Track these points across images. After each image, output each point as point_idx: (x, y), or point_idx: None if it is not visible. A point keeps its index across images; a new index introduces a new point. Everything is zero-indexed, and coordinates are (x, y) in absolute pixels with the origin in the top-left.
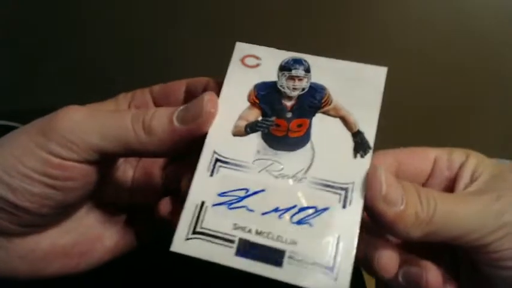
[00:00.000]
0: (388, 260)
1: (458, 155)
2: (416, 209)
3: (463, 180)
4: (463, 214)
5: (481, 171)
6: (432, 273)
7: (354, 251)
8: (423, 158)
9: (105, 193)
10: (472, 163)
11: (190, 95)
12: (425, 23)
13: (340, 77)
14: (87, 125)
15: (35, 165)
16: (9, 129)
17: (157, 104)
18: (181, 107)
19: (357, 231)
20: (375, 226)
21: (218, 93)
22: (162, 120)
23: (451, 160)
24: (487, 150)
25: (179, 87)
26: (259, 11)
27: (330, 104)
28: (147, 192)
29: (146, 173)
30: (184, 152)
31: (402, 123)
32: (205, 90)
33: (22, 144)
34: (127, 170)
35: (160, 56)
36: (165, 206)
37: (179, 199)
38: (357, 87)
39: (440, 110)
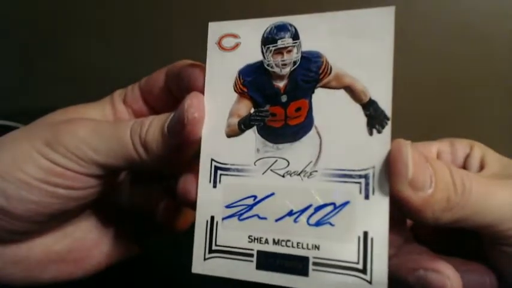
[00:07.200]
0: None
1: (461, 147)
2: (448, 193)
3: (471, 171)
4: (501, 199)
5: (488, 161)
6: (455, 282)
7: (387, 247)
8: (426, 153)
9: (105, 197)
10: (478, 154)
11: (171, 82)
12: (426, 20)
13: (336, 35)
14: (92, 142)
15: (35, 172)
16: (9, 129)
17: (144, 98)
18: (171, 117)
19: (387, 223)
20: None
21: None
22: (155, 135)
23: (454, 153)
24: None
25: (160, 76)
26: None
27: (329, 73)
28: (146, 194)
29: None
30: (192, 157)
31: (402, 122)
32: (183, 78)
33: (23, 151)
34: (128, 173)
35: (161, 55)
36: (164, 211)
37: (175, 199)
38: (358, 42)
39: (440, 108)
